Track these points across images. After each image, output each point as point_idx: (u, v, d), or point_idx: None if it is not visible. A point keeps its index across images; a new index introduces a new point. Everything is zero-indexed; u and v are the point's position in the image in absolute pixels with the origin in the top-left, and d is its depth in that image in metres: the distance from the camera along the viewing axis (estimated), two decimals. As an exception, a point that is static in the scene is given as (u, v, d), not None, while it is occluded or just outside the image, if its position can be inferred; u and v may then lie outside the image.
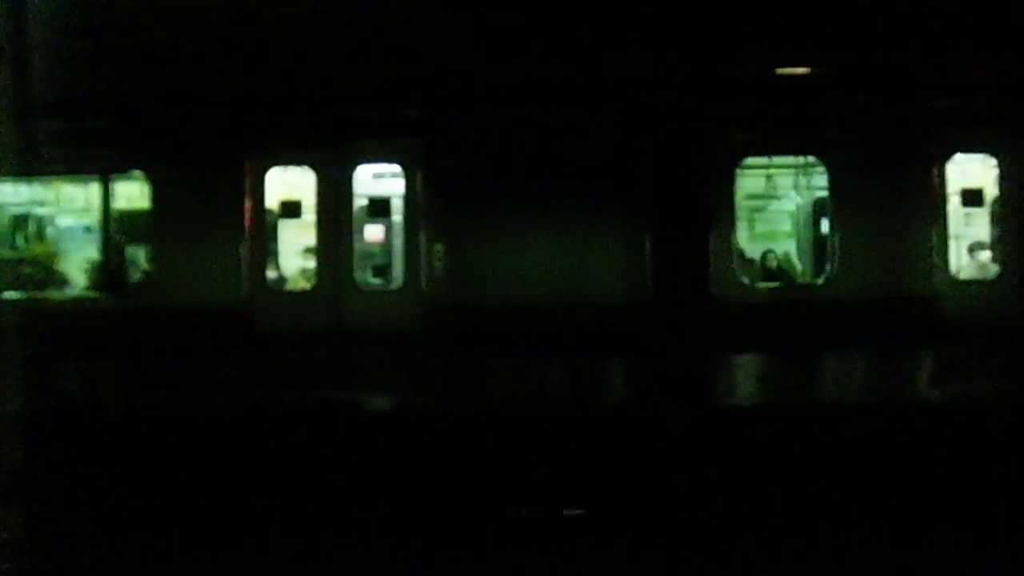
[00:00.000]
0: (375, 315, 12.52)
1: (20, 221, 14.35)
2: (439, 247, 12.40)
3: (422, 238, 12.48)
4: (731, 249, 12.42)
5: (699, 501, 12.12)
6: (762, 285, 12.77)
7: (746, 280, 12.58)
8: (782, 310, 12.36)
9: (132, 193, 13.28)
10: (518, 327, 12.31)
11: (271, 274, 12.92)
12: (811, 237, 14.15)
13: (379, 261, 13.33)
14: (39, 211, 14.37)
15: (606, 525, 11.82)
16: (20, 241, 14.35)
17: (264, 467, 12.45)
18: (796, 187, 14.22)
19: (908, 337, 12.26)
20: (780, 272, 13.72)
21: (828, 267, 12.58)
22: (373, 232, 13.46)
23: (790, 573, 10.51)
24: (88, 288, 13.24)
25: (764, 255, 13.82)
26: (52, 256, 13.80)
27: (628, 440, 12.54)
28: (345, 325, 12.46)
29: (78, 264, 13.81)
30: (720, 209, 12.41)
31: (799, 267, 14.08)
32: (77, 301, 12.95)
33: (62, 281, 13.53)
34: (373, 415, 12.71)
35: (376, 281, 13.18)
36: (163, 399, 12.55)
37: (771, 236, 14.58)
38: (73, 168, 13.09)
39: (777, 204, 14.59)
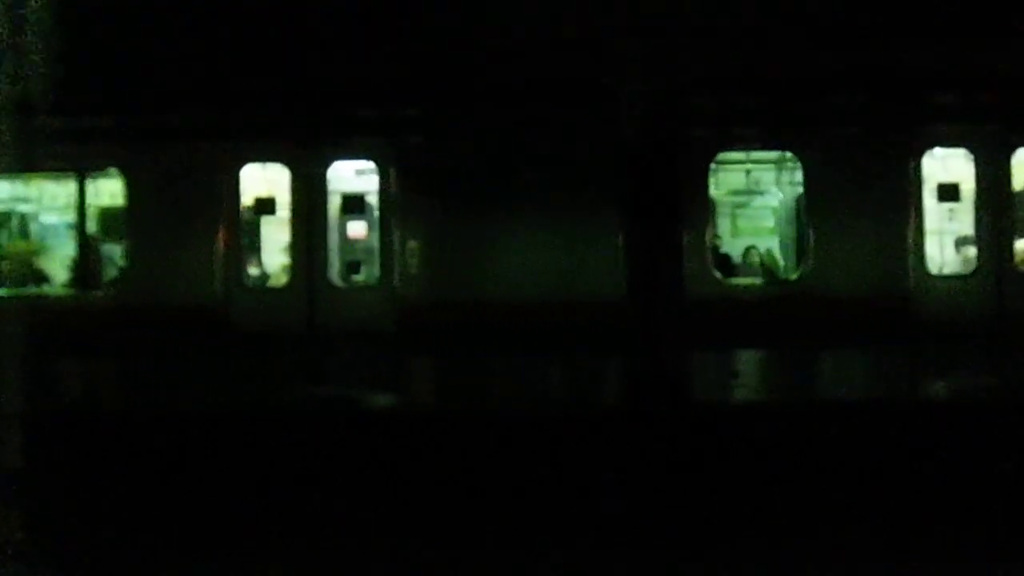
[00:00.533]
0: (349, 312, 12.48)
1: (3, 218, 14.46)
2: (413, 244, 12.36)
3: (396, 235, 12.41)
4: (704, 245, 12.24)
5: (675, 498, 12.07)
6: (735, 281, 12.62)
7: (719, 276, 12.42)
8: (757, 306, 12.25)
9: (111, 190, 13.42)
10: (492, 324, 12.27)
11: (246, 271, 12.88)
12: (794, 233, 14.08)
13: (354, 258, 13.33)
14: (22, 208, 14.45)
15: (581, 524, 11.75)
16: (3, 238, 14.46)
17: (239, 466, 12.46)
18: (778, 183, 14.13)
19: (884, 333, 12.15)
20: (763, 268, 13.66)
21: (802, 263, 12.43)
22: (347, 229, 13.47)
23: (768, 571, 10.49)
24: (64, 285, 13.24)
25: (747, 251, 13.78)
26: (33, 253, 13.81)
27: (602, 437, 12.50)
28: (318, 322, 12.42)
29: (60, 261, 13.91)
30: (693, 205, 12.26)
31: (782, 263, 13.99)
32: (52, 298, 12.93)
33: (42, 278, 13.53)
34: (346, 412, 12.66)
35: (352, 278, 13.16)
36: (137, 397, 12.55)
37: (754, 232, 14.52)
38: (51, 165, 13.03)
39: (760, 200, 14.50)
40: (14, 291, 13.15)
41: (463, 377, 12.47)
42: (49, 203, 14.32)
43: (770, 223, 14.60)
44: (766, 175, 14.04)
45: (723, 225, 14.25)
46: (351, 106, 12.69)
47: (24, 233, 14.47)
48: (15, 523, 10.29)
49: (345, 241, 13.37)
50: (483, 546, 11.07)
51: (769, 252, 14.09)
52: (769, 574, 10.40)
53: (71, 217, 14.25)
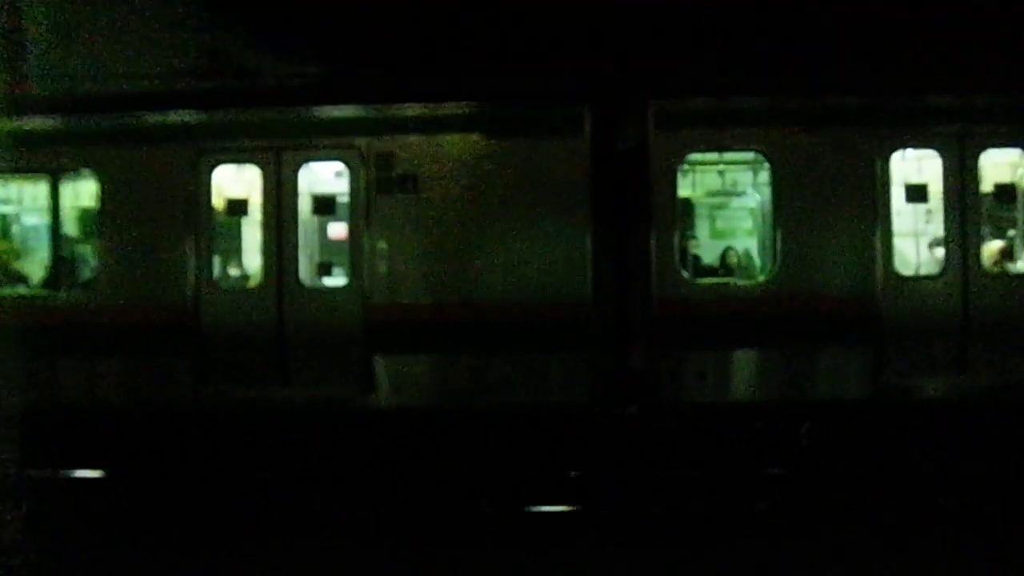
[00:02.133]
0: (318, 313, 12.54)
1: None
2: (382, 245, 12.42)
3: (365, 236, 12.46)
4: (673, 246, 12.26)
5: (639, 497, 12.12)
6: (703, 282, 12.62)
7: (687, 277, 12.42)
8: (724, 307, 12.25)
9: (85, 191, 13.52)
10: (458, 325, 12.31)
11: (216, 272, 12.96)
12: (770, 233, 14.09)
13: (324, 259, 13.39)
14: (3, 209, 14.56)
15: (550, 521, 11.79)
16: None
17: (207, 466, 12.58)
18: (755, 184, 14.11)
19: (845, 333, 12.14)
20: (741, 269, 13.65)
21: (770, 264, 12.43)
22: (315, 230, 13.56)
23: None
24: (39, 286, 13.35)
25: (724, 252, 13.78)
26: (11, 253, 13.90)
27: (570, 437, 12.56)
28: (288, 323, 12.49)
29: (39, 262, 14.02)
30: (662, 206, 12.28)
31: (759, 264, 13.97)
32: (25, 298, 13.03)
33: (20, 278, 13.64)
34: (313, 412, 12.73)
35: (322, 279, 13.22)
36: (109, 396, 12.65)
37: (731, 233, 14.51)
38: (26, 167, 13.13)
39: (738, 201, 14.49)
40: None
41: (431, 376, 12.53)
42: (30, 204, 14.46)
43: (748, 224, 14.58)
44: (742, 176, 14.03)
45: (701, 227, 14.27)
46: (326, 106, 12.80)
47: (5, 234, 14.61)
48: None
49: (315, 242, 13.47)
50: (446, 541, 11.21)
51: (747, 253, 14.08)
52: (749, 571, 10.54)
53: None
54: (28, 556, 9.99)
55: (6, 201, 14.41)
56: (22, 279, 13.60)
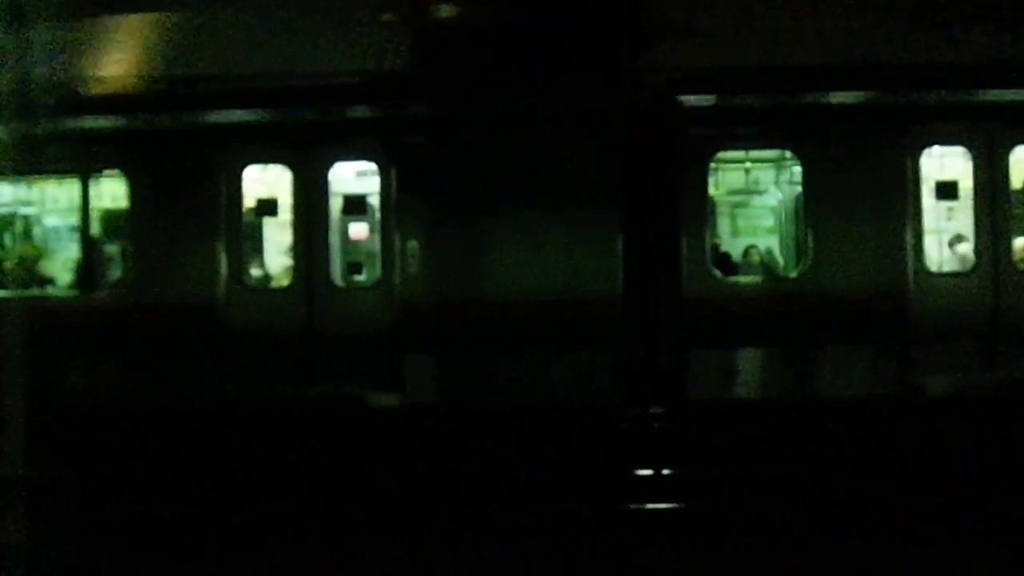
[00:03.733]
0: (349, 312, 12.55)
1: (7, 221, 14.54)
2: (413, 244, 12.42)
3: (396, 235, 12.46)
4: (704, 244, 12.29)
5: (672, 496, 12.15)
6: (734, 280, 12.66)
7: (718, 275, 12.46)
8: (754, 305, 12.30)
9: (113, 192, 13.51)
10: (491, 323, 12.32)
11: (248, 272, 12.96)
12: (794, 232, 14.14)
13: (355, 258, 13.39)
14: (25, 211, 14.54)
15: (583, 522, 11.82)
16: (7, 240, 14.53)
17: (237, 466, 12.56)
18: (777, 182, 14.18)
19: (875, 330, 12.18)
20: (763, 267, 13.70)
21: (802, 261, 12.45)
22: (349, 230, 13.55)
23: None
24: (68, 287, 13.33)
25: (747, 250, 13.82)
26: (38, 255, 13.87)
27: (602, 436, 12.58)
28: (318, 322, 12.49)
29: (62, 263, 14.01)
30: (692, 204, 12.32)
31: (781, 262, 14.03)
32: (56, 299, 13.01)
33: (46, 280, 13.61)
34: (346, 412, 12.73)
35: (352, 278, 13.23)
36: (139, 397, 12.63)
37: (753, 231, 14.56)
38: (55, 168, 13.10)
39: (759, 199, 14.54)
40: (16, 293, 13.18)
41: (464, 376, 12.54)
42: (51, 206, 14.46)
43: (769, 222, 14.64)
44: (764, 174, 14.08)
45: (723, 225, 14.30)
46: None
47: (28, 235, 14.58)
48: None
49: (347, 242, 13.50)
50: (483, 539, 11.24)
51: (769, 251, 14.14)
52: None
53: (73, 220, 14.50)
54: (47, 557, 10.06)
55: (27, 203, 14.40)
56: (48, 281, 13.57)
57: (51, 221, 14.41)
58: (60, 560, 9.99)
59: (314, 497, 12.22)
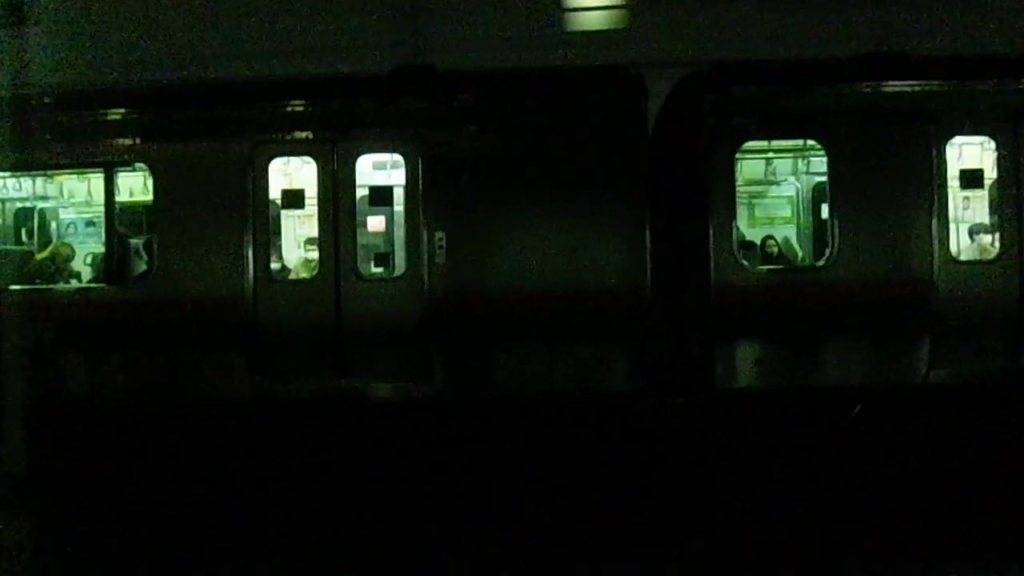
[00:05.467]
0: (376, 304, 12.54)
1: (24, 215, 14.48)
2: (439, 235, 12.42)
3: (423, 227, 12.46)
4: (732, 234, 12.35)
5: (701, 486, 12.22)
6: (761, 269, 12.74)
7: (746, 264, 12.52)
8: (782, 294, 12.36)
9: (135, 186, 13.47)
10: (516, 314, 12.33)
11: (274, 264, 12.94)
12: (811, 222, 14.24)
13: (381, 250, 13.39)
14: (42, 205, 14.48)
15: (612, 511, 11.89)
16: (24, 235, 14.48)
17: (266, 458, 12.55)
18: (795, 172, 14.26)
19: (908, 320, 12.27)
20: (780, 257, 13.79)
21: (828, 250, 12.52)
22: (375, 222, 13.54)
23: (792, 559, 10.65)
24: (93, 280, 13.27)
25: (764, 240, 13.91)
26: (71, 254, 13.81)
27: (631, 426, 12.62)
28: (346, 314, 12.47)
29: (80, 257, 13.96)
30: (720, 195, 12.37)
31: (799, 252, 14.12)
32: (83, 292, 12.96)
33: (71, 274, 13.57)
34: (373, 404, 12.73)
35: (378, 270, 13.22)
36: (167, 390, 12.59)
37: (770, 221, 14.65)
38: (77, 161, 13.04)
39: (776, 189, 14.62)
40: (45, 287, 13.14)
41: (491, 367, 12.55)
42: (67, 200, 14.42)
43: (787, 212, 14.73)
44: (782, 165, 14.16)
45: (741, 215, 14.33)
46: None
47: (44, 230, 14.52)
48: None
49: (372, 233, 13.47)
50: (511, 531, 11.30)
51: (787, 240, 14.23)
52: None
53: (90, 214, 14.46)
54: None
55: (43, 196, 14.36)
56: (74, 275, 13.52)
57: (72, 215, 14.37)
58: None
59: (346, 489, 12.23)
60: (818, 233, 13.92)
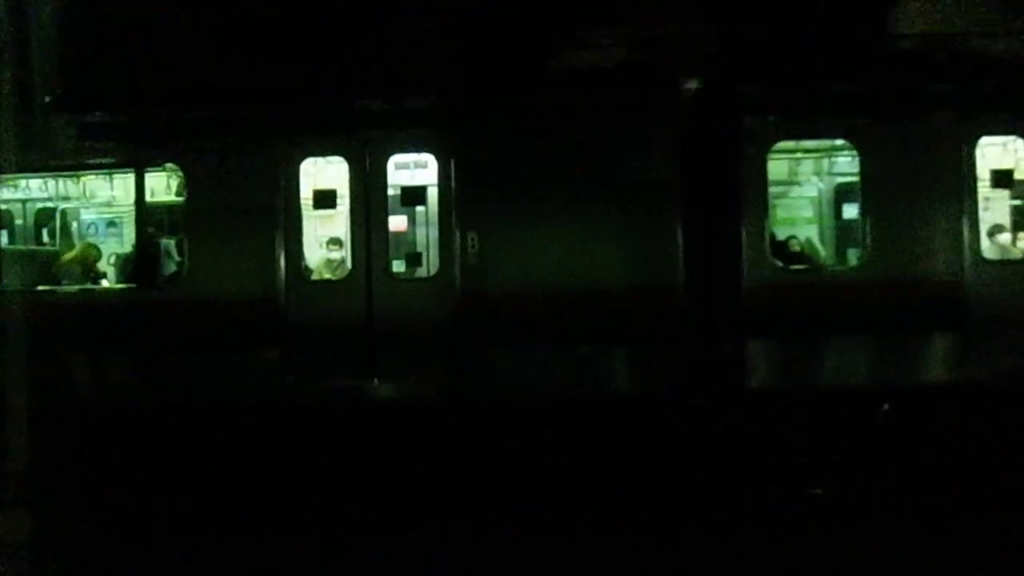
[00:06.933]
0: (408, 304, 12.53)
1: (45, 216, 14.43)
2: (472, 235, 12.42)
3: (455, 227, 12.45)
4: (763, 234, 12.39)
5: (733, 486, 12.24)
6: (792, 269, 12.79)
7: (778, 264, 12.58)
8: (813, 294, 12.41)
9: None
10: (548, 315, 12.34)
11: (306, 264, 12.93)
12: (833, 222, 14.31)
13: (412, 250, 13.38)
14: (64, 206, 14.43)
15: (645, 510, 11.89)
16: (45, 236, 14.44)
17: (296, 459, 12.51)
18: (818, 172, 14.33)
19: (932, 318, 12.35)
20: (804, 257, 13.84)
21: (861, 250, 12.56)
22: (397, 221, 13.54)
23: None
24: (121, 280, 13.22)
25: (787, 240, 13.95)
26: (98, 255, 13.77)
27: (664, 427, 12.64)
28: (378, 314, 12.46)
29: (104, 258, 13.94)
30: (752, 195, 12.41)
31: (822, 252, 14.18)
32: (113, 293, 12.91)
33: (98, 275, 13.53)
34: (403, 405, 12.71)
35: (410, 270, 13.21)
36: (196, 390, 12.55)
37: (791, 222, 14.70)
38: (106, 162, 12.99)
39: (798, 190, 14.68)
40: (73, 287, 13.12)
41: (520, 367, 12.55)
42: (89, 201, 14.37)
43: (808, 212, 14.80)
44: (806, 165, 14.23)
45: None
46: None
47: (66, 231, 14.48)
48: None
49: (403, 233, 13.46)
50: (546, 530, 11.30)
51: (809, 241, 14.29)
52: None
53: (111, 214, 14.42)
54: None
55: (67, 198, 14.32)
56: (101, 276, 13.47)
57: (96, 216, 14.34)
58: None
59: (379, 488, 12.21)
60: (840, 233, 14.04)
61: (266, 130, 12.57)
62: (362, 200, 12.61)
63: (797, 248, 13.91)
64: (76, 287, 13.02)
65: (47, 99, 12.85)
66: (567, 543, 11.11)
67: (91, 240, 14.29)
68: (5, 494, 10.67)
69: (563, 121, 12.56)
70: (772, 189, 14.08)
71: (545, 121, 12.57)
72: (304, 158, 12.65)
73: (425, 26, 12.70)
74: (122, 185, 13.80)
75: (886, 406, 12.59)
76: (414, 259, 13.25)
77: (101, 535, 11.15)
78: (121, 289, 13.07)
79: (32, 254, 13.95)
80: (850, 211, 13.91)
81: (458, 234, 12.45)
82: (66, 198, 14.35)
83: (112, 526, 11.40)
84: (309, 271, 13.39)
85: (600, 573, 10.55)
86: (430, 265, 13.02)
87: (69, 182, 14.14)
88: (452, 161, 12.50)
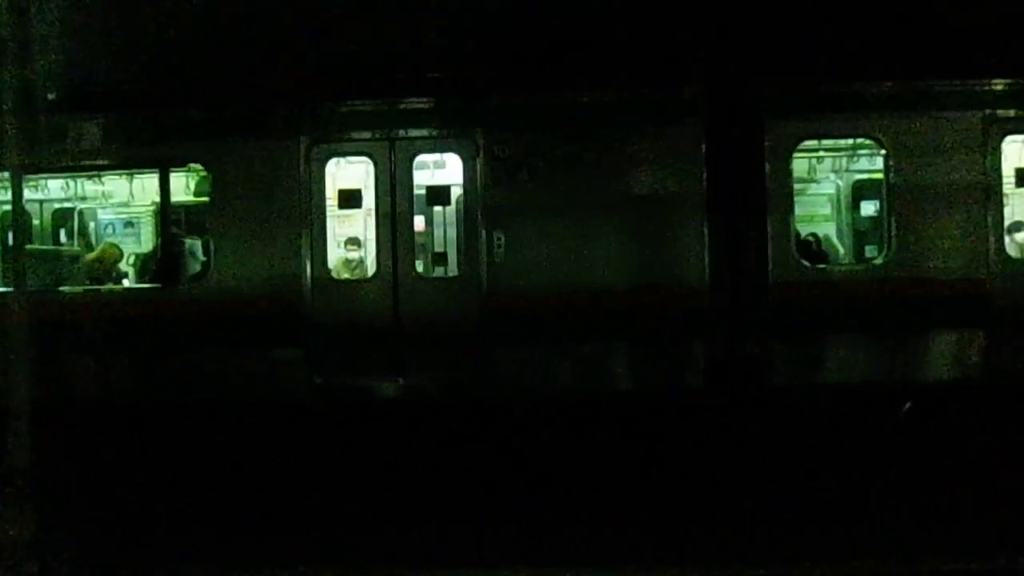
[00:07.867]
0: (434, 303, 12.53)
1: (63, 216, 14.38)
2: (498, 234, 12.42)
3: (481, 226, 12.45)
4: (789, 233, 12.42)
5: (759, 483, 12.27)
6: (818, 267, 12.82)
7: (804, 262, 12.61)
8: (838, 292, 12.45)
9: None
10: (576, 313, 12.35)
11: (331, 264, 12.90)
12: (851, 220, 14.35)
13: (438, 249, 13.38)
14: (81, 206, 14.37)
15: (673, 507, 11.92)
16: (63, 236, 14.38)
17: (322, 458, 12.49)
18: (836, 170, 14.36)
19: (956, 316, 12.39)
20: (822, 255, 13.87)
21: (885, 248, 12.60)
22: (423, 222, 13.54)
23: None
24: (143, 280, 13.17)
25: (808, 238, 13.97)
26: (119, 255, 13.74)
27: (690, 424, 12.66)
28: (404, 313, 12.45)
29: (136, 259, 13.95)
30: (777, 194, 12.44)
31: (841, 249, 14.22)
32: (135, 293, 12.88)
33: (119, 275, 13.49)
34: (428, 404, 12.71)
35: (436, 270, 13.21)
36: (220, 390, 12.53)
37: (810, 219, 14.73)
38: (129, 162, 12.95)
39: (816, 187, 14.71)
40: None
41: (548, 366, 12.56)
42: (106, 201, 14.32)
43: (827, 210, 14.83)
44: (826, 162, 14.26)
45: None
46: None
47: (83, 231, 14.43)
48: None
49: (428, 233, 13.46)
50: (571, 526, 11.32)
51: (827, 238, 14.32)
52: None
53: (128, 215, 14.38)
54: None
55: (84, 197, 14.26)
56: (122, 276, 13.43)
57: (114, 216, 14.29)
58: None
59: (406, 488, 12.20)
60: (858, 230, 14.08)
61: (292, 130, 12.51)
62: (388, 200, 12.56)
63: (816, 245, 13.95)
64: (103, 287, 12.93)
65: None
66: (595, 539, 11.14)
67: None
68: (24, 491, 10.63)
69: (590, 120, 12.54)
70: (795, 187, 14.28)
71: (571, 120, 12.55)
72: (330, 158, 12.59)
73: (451, 26, 12.58)
74: (140, 185, 13.78)
75: (908, 404, 12.62)
76: (439, 258, 13.20)
77: (125, 533, 11.14)
78: (145, 288, 12.97)
79: (55, 254, 13.86)
80: (868, 208, 13.94)
81: (484, 233, 12.42)
82: (84, 198, 14.26)
83: (136, 524, 11.39)
84: (328, 271, 13.40)
85: (626, 566, 10.59)
86: (450, 265, 13.05)
87: (87, 182, 14.06)
88: (478, 160, 12.46)
